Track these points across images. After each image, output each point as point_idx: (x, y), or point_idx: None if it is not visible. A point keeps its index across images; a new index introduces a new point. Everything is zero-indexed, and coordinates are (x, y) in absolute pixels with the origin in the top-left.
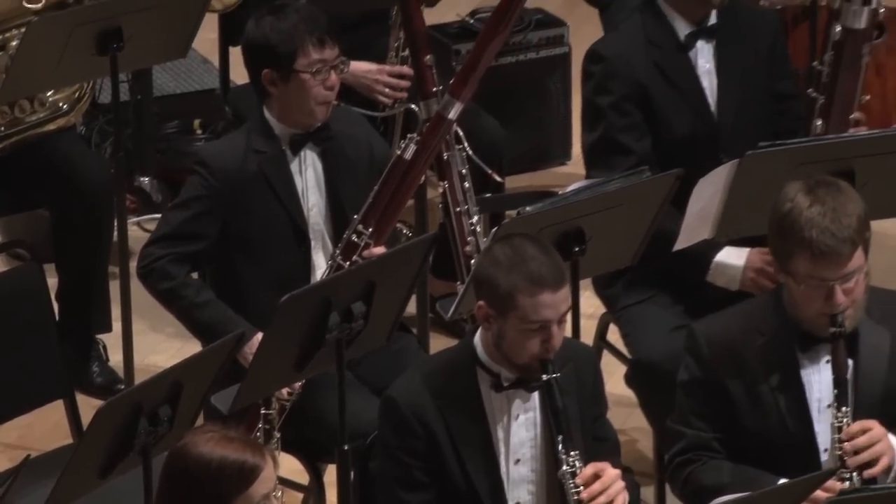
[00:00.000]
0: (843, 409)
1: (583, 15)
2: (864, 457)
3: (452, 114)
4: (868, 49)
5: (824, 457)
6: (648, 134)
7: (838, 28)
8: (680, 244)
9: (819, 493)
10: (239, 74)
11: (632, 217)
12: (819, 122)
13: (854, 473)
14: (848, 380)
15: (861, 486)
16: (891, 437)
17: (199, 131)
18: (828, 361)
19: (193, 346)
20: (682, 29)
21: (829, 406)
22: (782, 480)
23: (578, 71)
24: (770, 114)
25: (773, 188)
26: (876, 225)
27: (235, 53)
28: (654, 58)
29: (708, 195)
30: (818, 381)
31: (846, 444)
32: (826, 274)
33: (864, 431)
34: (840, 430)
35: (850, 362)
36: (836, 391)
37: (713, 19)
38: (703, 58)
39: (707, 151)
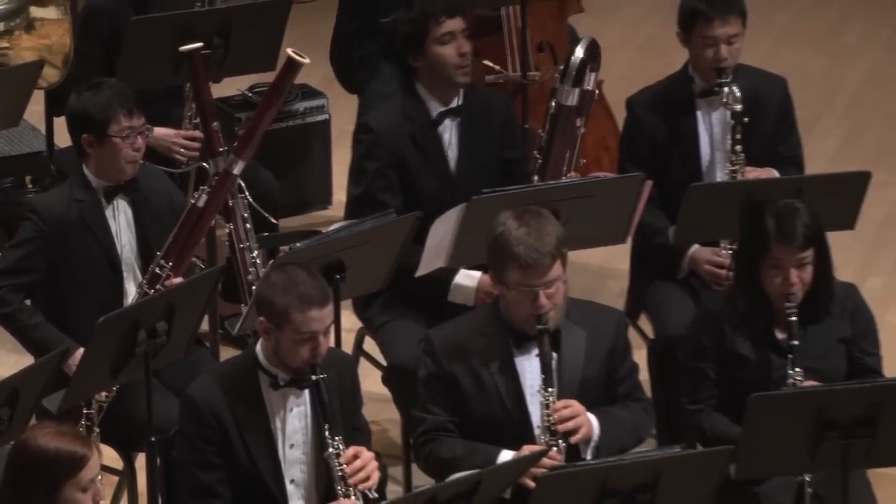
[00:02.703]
0: (550, 389)
1: (341, 89)
2: (569, 425)
3: (237, 170)
4: (583, 122)
5: (537, 431)
6: (401, 192)
7: (553, 103)
8: (420, 271)
9: (535, 469)
10: (61, 139)
11: (381, 250)
12: (536, 179)
13: (560, 440)
14: (553, 367)
15: (566, 450)
16: (588, 414)
17: (29, 186)
18: (537, 355)
19: (27, 360)
20: (435, 108)
21: (538, 391)
22: (504, 450)
23: (337, 134)
24: (499, 176)
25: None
26: (577, 254)
27: (58, 122)
28: (410, 131)
29: (442, 232)
30: (530, 370)
31: (553, 416)
32: (532, 282)
33: (567, 407)
34: (548, 406)
35: (555, 355)
36: (543, 376)
37: (459, 101)
38: (449, 132)
39: (446, 206)
